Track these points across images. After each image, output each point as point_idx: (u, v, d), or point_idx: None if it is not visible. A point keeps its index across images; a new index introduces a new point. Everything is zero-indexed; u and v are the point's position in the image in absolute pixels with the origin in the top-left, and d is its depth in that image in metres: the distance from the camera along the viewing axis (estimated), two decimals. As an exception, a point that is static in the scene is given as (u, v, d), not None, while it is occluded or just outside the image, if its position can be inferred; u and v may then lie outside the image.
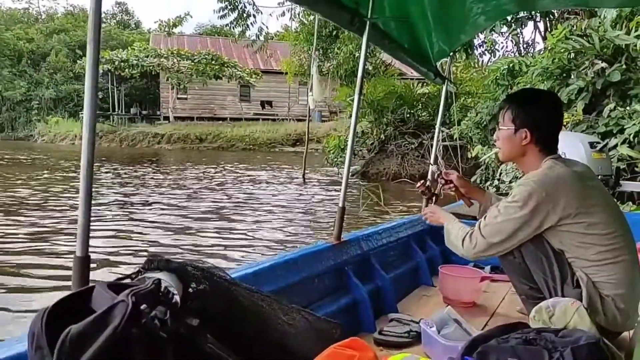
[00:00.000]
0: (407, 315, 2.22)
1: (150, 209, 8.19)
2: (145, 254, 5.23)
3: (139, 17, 56.71)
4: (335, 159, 12.54)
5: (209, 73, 26.83)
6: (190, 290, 1.29)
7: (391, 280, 2.41)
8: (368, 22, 2.13)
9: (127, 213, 7.76)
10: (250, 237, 6.40)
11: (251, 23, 13.94)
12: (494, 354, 1.39)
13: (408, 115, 12.25)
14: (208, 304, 1.30)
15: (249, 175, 13.47)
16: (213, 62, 26.87)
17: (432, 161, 3.45)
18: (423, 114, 12.32)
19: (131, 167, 14.79)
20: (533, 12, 10.27)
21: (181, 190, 10.59)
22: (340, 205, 2.24)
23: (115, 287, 1.07)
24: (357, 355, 1.24)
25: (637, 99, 5.89)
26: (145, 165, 15.91)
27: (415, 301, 2.57)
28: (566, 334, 1.45)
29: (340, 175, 12.39)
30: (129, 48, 27.28)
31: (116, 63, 25.33)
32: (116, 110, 29.55)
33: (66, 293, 1.00)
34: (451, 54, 3.27)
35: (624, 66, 6.24)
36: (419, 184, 2.75)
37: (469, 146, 9.44)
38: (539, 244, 1.90)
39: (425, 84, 13.04)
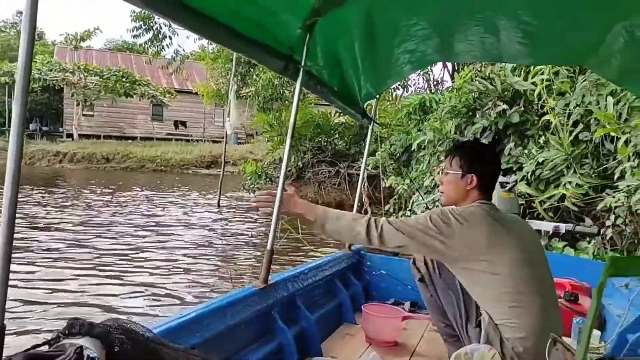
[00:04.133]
0: (330, 358, 2.24)
1: (42, 245, 7.22)
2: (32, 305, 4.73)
3: (43, 28, 53.14)
4: (252, 186, 12.46)
5: (118, 90, 25.77)
6: (114, 352, 1.23)
7: (316, 321, 2.42)
8: (302, 69, 2.17)
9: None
10: (160, 276, 5.95)
11: (167, 44, 13.67)
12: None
13: (325, 144, 12.48)
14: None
15: (158, 200, 12.94)
16: (124, 79, 25.87)
17: (357, 198, 3.53)
18: (340, 143, 12.61)
19: (23, 190, 13.08)
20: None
21: (76, 218, 9.64)
22: (269, 248, 2.22)
23: (34, 358, 1.00)
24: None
25: (533, 139, 6.39)
26: (40, 187, 14.40)
27: (338, 340, 2.59)
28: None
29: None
30: (31, 60, 25.57)
31: (15, 76, 23.63)
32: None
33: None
34: (377, 96, 3.39)
35: (522, 108, 6.77)
36: None
37: (383, 176, 9.75)
38: (450, 282, 2.01)
39: (342, 114, 13.38)
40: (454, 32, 2.44)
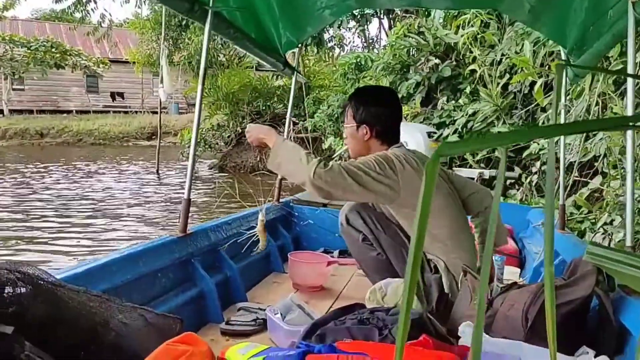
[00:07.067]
0: (255, 304, 2.24)
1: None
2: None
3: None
4: (191, 153, 12.19)
5: (48, 62, 24.30)
6: (5, 295, 1.19)
7: (241, 270, 2.42)
8: (210, 11, 2.09)
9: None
10: (97, 241, 5.93)
11: (92, 9, 12.89)
12: (332, 336, 1.47)
13: (264, 108, 12.28)
14: (27, 309, 1.20)
15: (96, 172, 12.46)
16: (53, 49, 24.37)
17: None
18: (279, 107, 12.45)
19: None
20: (378, 10, 10.90)
21: (17, 191, 9.44)
22: (186, 197, 2.18)
23: None
24: (190, 350, 1.23)
25: (464, 93, 6.53)
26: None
27: (265, 288, 2.61)
28: (395, 311, 1.56)
29: (197, 169, 12.08)
30: (-50, 32, 23.80)
31: None
32: None
33: None
34: (300, 45, 3.34)
35: (454, 62, 6.88)
36: None
37: (323, 137, 9.76)
38: (394, 235, 2.07)
39: (280, 77, 13.20)
40: (366, -27, 2.42)
